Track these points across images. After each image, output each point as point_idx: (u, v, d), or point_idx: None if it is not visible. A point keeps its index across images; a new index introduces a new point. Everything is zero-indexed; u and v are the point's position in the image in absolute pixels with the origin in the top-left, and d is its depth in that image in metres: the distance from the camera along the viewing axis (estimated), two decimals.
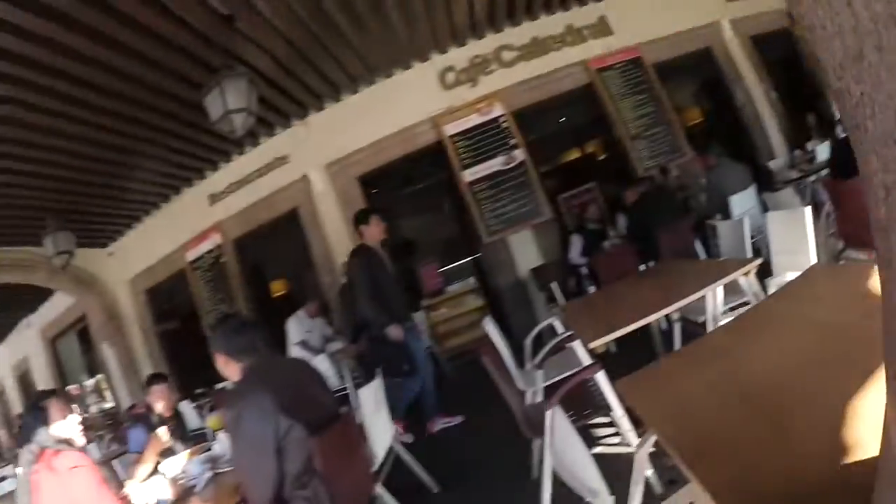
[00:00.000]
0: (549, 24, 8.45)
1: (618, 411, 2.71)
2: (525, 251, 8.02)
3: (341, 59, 6.81)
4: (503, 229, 7.92)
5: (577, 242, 7.19)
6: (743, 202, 6.28)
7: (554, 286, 6.25)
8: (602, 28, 8.63)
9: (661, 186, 7.18)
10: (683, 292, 3.07)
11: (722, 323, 3.22)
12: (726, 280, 3.16)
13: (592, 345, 2.72)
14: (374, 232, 5.11)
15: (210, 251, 8.82)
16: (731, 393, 1.59)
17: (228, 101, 5.22)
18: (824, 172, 6.60)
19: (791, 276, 2.92)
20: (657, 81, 8.66)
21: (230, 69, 5.26)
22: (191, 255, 9.00)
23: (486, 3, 7.18)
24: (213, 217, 8.78)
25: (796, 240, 3.28)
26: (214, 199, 8.73)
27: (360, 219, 5.17)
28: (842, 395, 1.25)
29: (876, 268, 1.71)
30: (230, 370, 2.53)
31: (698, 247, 6.05)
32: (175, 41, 4.98)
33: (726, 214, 6.08)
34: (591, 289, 5.98)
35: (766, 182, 7.53)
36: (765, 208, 5.97)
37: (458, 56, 8.18)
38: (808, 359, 1.60)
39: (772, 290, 3.11)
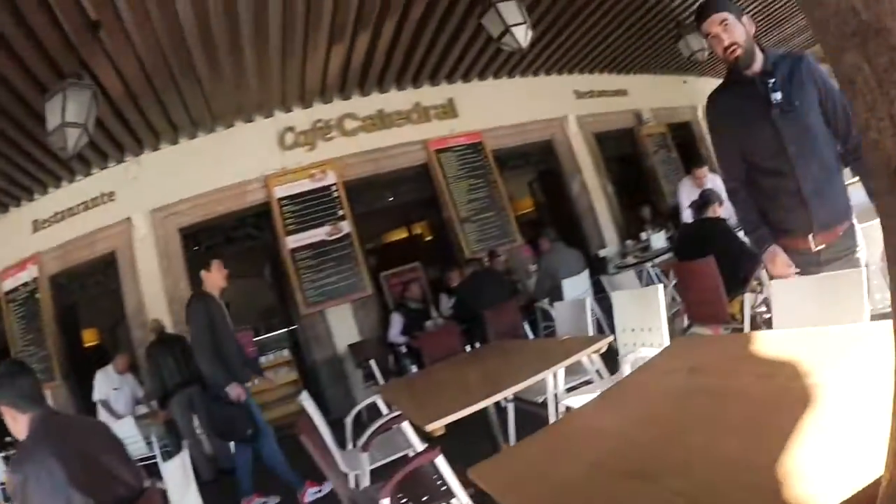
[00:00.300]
0: (398, 99, 8.71)
1: (463, 499, 2.60)
2: (343, 326, 7.91)
3: (188, 98, 6.62)
4: (322, 302, 7.80)
5: (397, 321, 7.25)
6: (575, 286, 6.62)
7: (372, 363, 6.22)
8: (448, 110, 9.05)
9: (489, 269, 7.44)
10: (525, 371, 2.98)
11: (568, 402, 3.31)
12: (581, 355, 3.13)
13: (430, 427, 2.54)
14: (216, 279, 4.83)
15: (25, 284, 8.01)
16: (618, 472, 1.46)
17: (68, 111, 4.92)
18: (660, 259, 7.35)
19: (647, 352, 3.06)
20: (495, 167, 9.14)
21: (79, 78, 4.99)
22: (7, 284, 8.11)
23: (341, 68, 7.31)
24: (33, 246, 8.03)
25: (649, 317, 3.39)
26: (37, 226, 8.01)
27: (201, 264, 4.93)
28: (758, 459, 1.20)
29: (747, 336, 2.14)
30: (18, 425, 2.24)
31: (527, 329, 6.13)
32: (36, 33, 4.59)
33: (557, 298, 6.27)
34: (413, 368, 6.04)
35: (599, 268, 8.24)
36: (599, 290, 6.38)
37: (301, 117, 8.20)
38: (703, 428, 1.51)
39: (626, 367, 3.15)
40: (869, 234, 2.51)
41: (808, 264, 2.38)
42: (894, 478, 0.80)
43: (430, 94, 8.92)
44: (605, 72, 11.33)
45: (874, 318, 2.12)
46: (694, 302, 4.43)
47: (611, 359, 3.55)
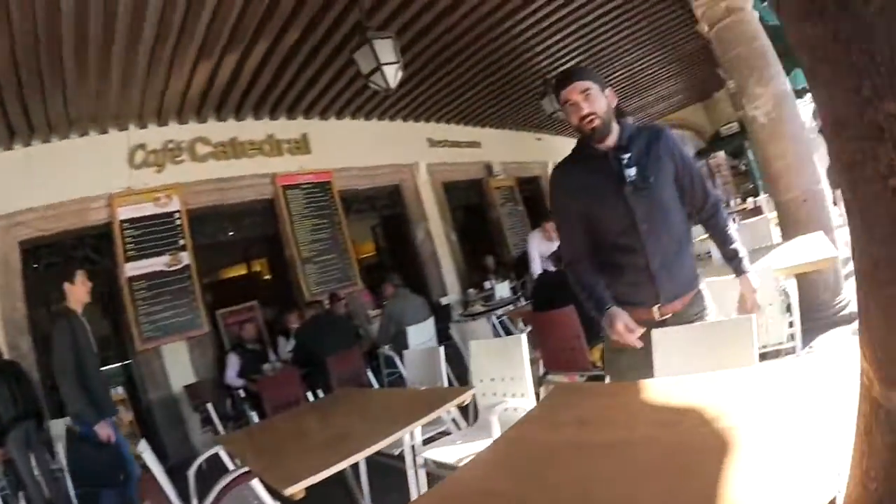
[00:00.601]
0: (253, 128, 8.82)
1: None
2: (179, 365, 7.59)
3: (49, 96, 6.19)
4: (158, 337, 7.47)
5: (234, 362, 7.22)
6: (420, 333, 6.75)
7: (210, 407, 6.06)
8: (302, 145, 9.33)
9: (330, 312, 7.56)
10: (383, 426, 2.82)
11: (426, 454, 3.25)
12: (444, 409, 3.02)
13: (291, 490, 2.36)
14: (80, 293, 4.46)
15: None
16: None
17: None
18: (504, 309, 7.83)
19: (515, 403, 3.17)
20: (341, 208, 9.54)
21: None
22: None
23: (203, 87, 7.28)
24: None
25: (511, 367, 3.38)
26: None
27: (65, 275, 4.52)
28: None
29: (632, 385, 2.08)
30: None
31: (370, 376, 6.21)
32: None
33: (401, 344, 6.38)
34: (254, 415, 5.82)
35: (444, 316, 8.62)
36: (445, 338, 6.45)
37: (154, 135, 8.01)
38: (616, 484, 1.44)
39: (493, 418, 2.99)
40: (722, 289, 2.72)
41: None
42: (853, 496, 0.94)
43: (286, 128, 9.18)
44: (460, 123, 12.31)
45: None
46: (553, 350, 4.53)
47: (463, 408, 3.48)
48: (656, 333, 2.33)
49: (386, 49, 6.00)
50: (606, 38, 9.31)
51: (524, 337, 3.36)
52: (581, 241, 2.46)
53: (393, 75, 6.08)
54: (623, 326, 2.23)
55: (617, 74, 11.46)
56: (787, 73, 5.79)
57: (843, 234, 5.46)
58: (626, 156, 2.30)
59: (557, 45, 8.91)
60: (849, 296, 5.16)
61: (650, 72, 12.23)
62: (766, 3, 6.22)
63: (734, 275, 2.50)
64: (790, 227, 5.41)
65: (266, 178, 8.82)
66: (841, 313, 5.09)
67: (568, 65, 9.60)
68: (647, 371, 2.29)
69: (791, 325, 3.47)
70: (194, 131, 8.29)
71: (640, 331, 2.24)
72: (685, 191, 2.41)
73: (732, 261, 2.48)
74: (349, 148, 9.71)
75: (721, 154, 19.04)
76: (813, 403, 1.43)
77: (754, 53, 5.57)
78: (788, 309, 3.48)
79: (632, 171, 2.27)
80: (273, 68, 7.16)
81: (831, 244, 4.34)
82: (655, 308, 2.35)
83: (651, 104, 15.34)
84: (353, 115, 9.84)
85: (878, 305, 0.93)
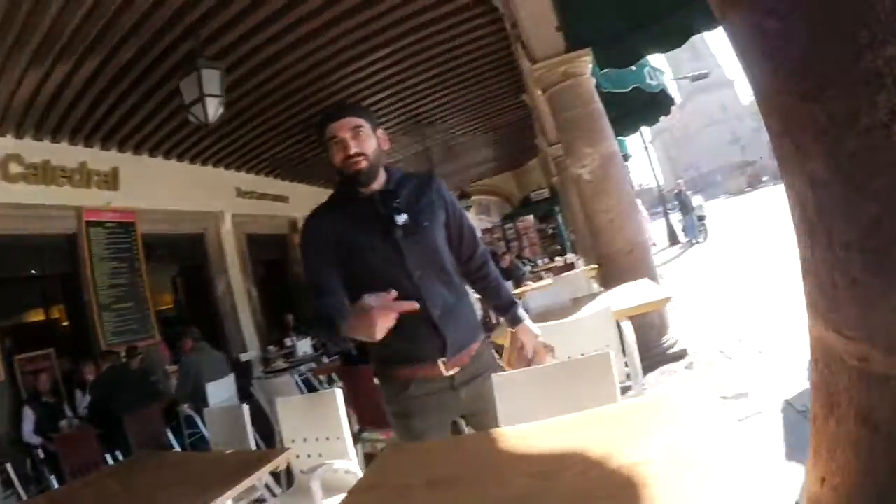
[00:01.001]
0: (66, 153, 8.28)
1: None
2: None
3: None
4: None
5: (29, 416, 6.66)
6: (219, 390, 6.55)
7: (9, 468, 5.58)
8: (110, 179, 8.85)
9: (127, 366, 7.21)
10: (195, 495, 2.57)
11: None
12: (260, 474, 2.78)
13: None
14: None
15: None
16: None
17: None
18: (306, 366, 7.81)
19: (340, 465, 3.00)
20: (143, 254, 9.11)
21: None
22: None
23: (27, 98, 6.72)
24: None
25: (328, 426, 3.18)
26: None
27: None
28: None
29: (477, 436, 2.01)
30: None
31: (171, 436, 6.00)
32: None
33: (201, 402, 6.20)
34: (52, 477, 5.38)
35: (244, 372, 8.48)
36: (246, 396, 6.31)
37: None
38: None
39: (314, 483, 2.85)
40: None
41: (442, 391, 2.23)
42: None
43: (98, 158, 8.71)
44: (270, 175, 12.51)
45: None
46: (364, 406, 4.44)
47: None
48: (498, 378, 2.23)
49: (213, 80, 6.10)
50: (430, 102, 10.22)
51: (339, 392, 3.13)
52: (340, 297, 2.10)
53: (214, 109, 6.18)
54: (376, 303, 1.75)
55: (437, 138, 12.33)
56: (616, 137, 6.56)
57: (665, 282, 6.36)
58: (397, 200, 2.17)
59: (379, 105, 9.53)
60: (675, 335, 5.81)
61: (469, 138, 13.25)
62: (604, 71, 6.82)
63: (509, 327, 2.52)
64: (615, 277, 5.72)
65: (71, 210, 8.26)
66: (669, 351, 5.63)
67: (387, 125, 10.29)
68: (444, 432, 2.29)
69: (626, 364, 3.58)
70: (9, 146, 7.56)
71: (394, 295, 1.78)
72: (455, 239, 2.36)
73: (508, 311, 2.49)
74: (157, 189, 9.41)
75: (530, 217, 20.95)
76: (689, 436, 1.40)
77: (588, 116, 6.04)
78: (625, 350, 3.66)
79: (402, 217, 2.14)
80: (100, 87, 6.88)
81: (660, 287, 5.00)
82: (441, 362, 2.19)
83: (465, 169, 16.40)
84: (166, 154, 9.62)
85: (878, 265, 0.92)
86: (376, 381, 2.38)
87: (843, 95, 0.89)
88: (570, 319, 2.66)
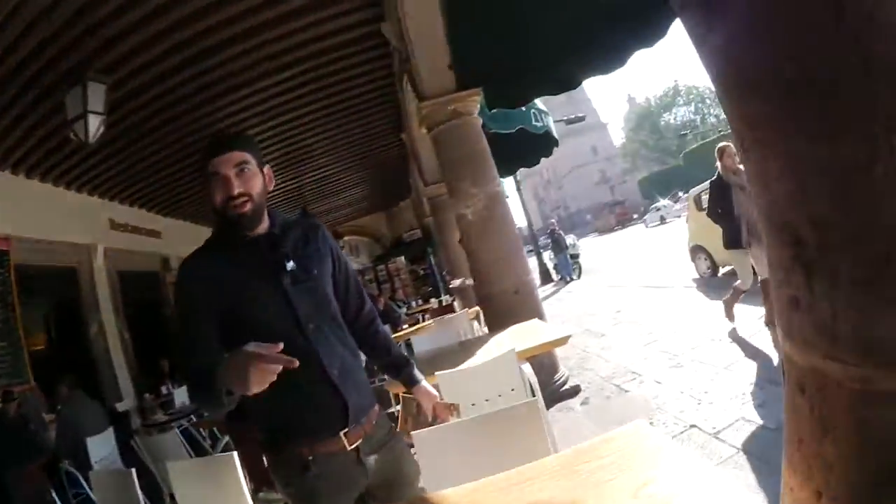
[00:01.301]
0: None
1: None
2: None
3: None
4: None
5: None
6: (100, 446, 5.93)
7: None
8: None
9: (3, 413, 6.56)
10: None
11: None
12: None
13: None
14: None
15: None
16: None
17: None
18: (193, 417, 7.33)
19: None
20: (16, 287, 8.34)
21: None
22: None
23: None
24: None
25: (224, 493, 2.88)
26: None
27: None
28: None
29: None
30: None
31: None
32: None
33: (82, 458, 5.69)
34: None
35: (122, 424, 7.91)
36: (126, 448, 5.90)
37: None
38: None
39: None
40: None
41: (348, 465, 2.01)
42: None
43: None
44: (144, 207, 11.92)
45: None
46: (259, 463, 4.00)
47: None
48: (419, 436, 2.13)
49: (97, 96, 5.97)
50: (311, 135, 10.22)
51: (235, 455, 2.86)
52: (216, 351, 1.90)
53: (95, 128, 6.10)
54: (257, 351, 1.56)
55: (308, 175, 12.18)
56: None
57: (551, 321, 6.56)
58: (283, 247, 2.02)
59: (262, 136, 9.30)
60: (564, 371, 6.06)
61: (343, 176, 13.24)
62: (492, 111, 6.98)
63: (404, 388, 2.38)
64: (501, 317, 5.73)
65: None
66: (562, 389, 5.84)
67: (267, 160, 9.80)
68: (349, 500, 2.05)
69: None
70: None
71: (280, 347, 1.58)
72: (342, 292, 2.22)
73: (402, 371, 2.35)
74: (35, 215, 8.70)
75: (401, 259, 20.94)
76: (655, 479, 1.29)
77: (475, 156, 6.25)
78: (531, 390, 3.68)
79: (291, 264, 1.98)
80: None
81: (554, 326, 5.17)
82: (342, 434, 1.98)
83: (336, 209, 16.23)
84: (43, 176, 8.93)
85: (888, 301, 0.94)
86: (265, 459, 2.10)
87: (858, 140, 0.91)
88: (476, 364, 2.57)
